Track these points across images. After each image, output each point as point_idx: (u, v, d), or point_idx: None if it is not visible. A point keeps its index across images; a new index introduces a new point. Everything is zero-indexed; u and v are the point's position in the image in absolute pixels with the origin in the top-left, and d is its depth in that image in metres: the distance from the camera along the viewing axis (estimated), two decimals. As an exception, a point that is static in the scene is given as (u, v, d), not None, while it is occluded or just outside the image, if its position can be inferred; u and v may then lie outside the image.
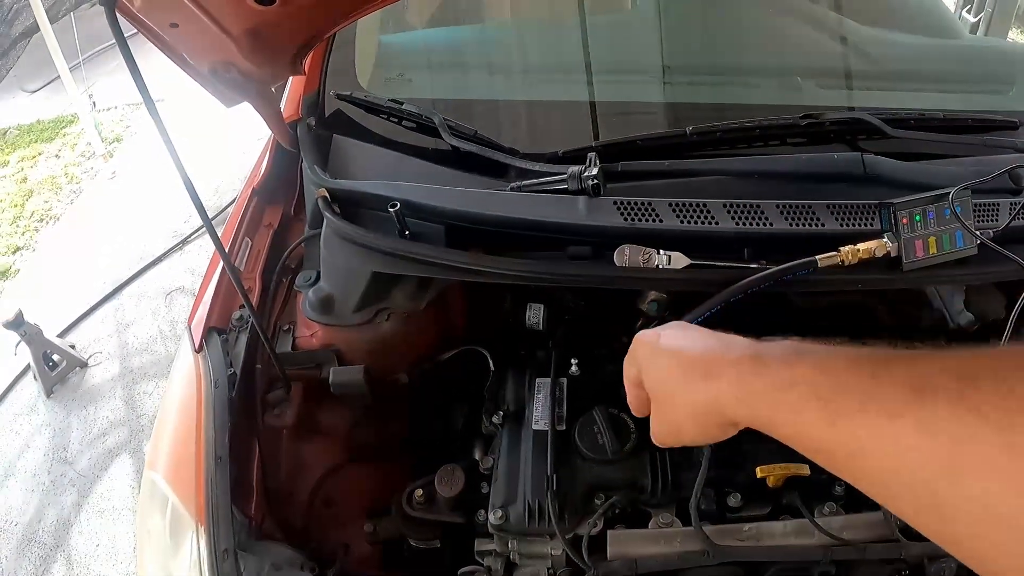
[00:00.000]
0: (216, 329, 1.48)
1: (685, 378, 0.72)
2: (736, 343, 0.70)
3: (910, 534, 1.21)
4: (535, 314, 1.47)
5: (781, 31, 2.02)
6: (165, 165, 4.99)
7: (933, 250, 1.25)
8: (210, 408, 1.33)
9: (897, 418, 0.49)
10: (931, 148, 1.47)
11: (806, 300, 1.56)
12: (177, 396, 1.42)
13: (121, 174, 5.44)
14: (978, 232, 1.25)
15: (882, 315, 1.59)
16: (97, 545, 2.87)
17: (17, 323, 3.34)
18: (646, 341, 0.81)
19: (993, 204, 1.31)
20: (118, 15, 1.09)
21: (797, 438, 0.59)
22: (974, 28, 3.80)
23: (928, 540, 1.26)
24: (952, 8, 3.72)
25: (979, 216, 1.30)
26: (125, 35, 1.46)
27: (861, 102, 1.81)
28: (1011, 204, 1.30)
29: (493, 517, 1.21)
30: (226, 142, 4.92)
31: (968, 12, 3.92)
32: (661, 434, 0.79)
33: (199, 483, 1.26)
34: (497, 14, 2.31)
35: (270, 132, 1.69)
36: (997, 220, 1.30)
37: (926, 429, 0.47)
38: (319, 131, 1.63)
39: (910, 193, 1.25)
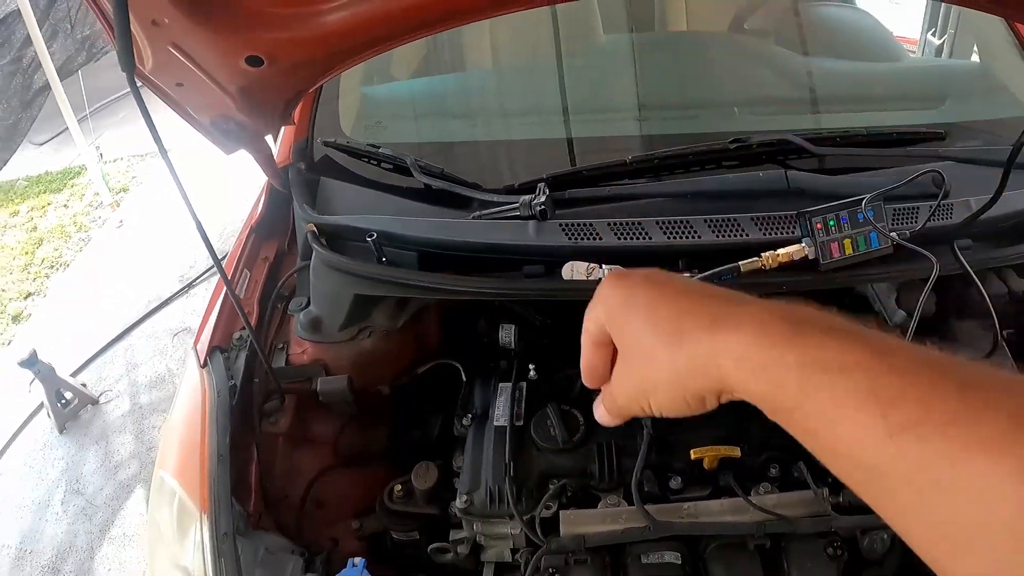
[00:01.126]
0: (219, 348, 1.67)
1: (677, 326, 0.54)
2: (752, 298, 0.54)
3: (841, 510, 1.34)
4: (507, 333, 1.65)
5: (731, 67, 2.22)
6: (171, 214, 5.21)
7: (849, 251, 1.40)
8: (213, 414, 1.51)
9: (997, 457, 0.37)
10: (861, 162, 1.62)
11: None
12: (184, 406, 1.60)
13: (128, 222, 5.68)
14: (891, 233, 1.40)
15: None
16: (108, 570, 3.02)
17: (31, 362, 3.52)
18: (619, 282, 0.60)
19: (913, 208, 1.47)
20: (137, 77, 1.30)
21: (828, 440, 0.46)
22: (939, 51, 3.96)
23: (861, 513, 1.37)
24: (918, 31, 3.86)
25: (899, 219, 1.46)
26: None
27: (808, 125, 1.99)
28: (929, 207, 1.45)
29: (459, 502, 1.38)
30: (226, 191, 5.15)
31: (933, 35, 4.08)
32: (622, 396, 0.61)
33: (203, 478, 1.42)
34: (473, 65, 2.54)
35: (265, 176, 1.89)
36: (916, 222, 1.45)
37: None
38: (308, 174, 1.83)
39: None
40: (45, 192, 6.40)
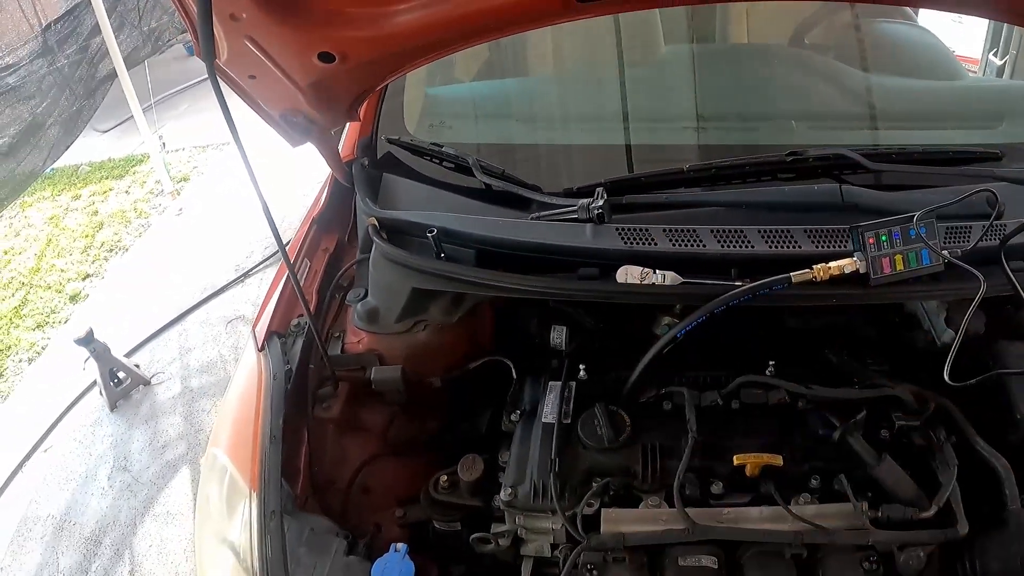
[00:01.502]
0: (276, 333, 1.73)
1: None
2: None
3: (880, 524, 1.35)
4: (558, 335, 1.69)
5: (789, 81, 2.23)
6: (230, 204, 5.32)
7: (900, 267, 1.41)
8: (268, 396, 1.56)
9: None
10: (917, 180, 1.62)
11: (798, 321, 1.73)
12: (240, 387, 1.66)
13: (187, 211, 5.84)
14: (943, 251, 1.39)
15: (870, 335, 1.74)
16: (150, 546, 3.10)
17: (87, 340, 3.63)
18: None
19: (966, 227, 1.47)
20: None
21: None
22: (1000, 70, 3.88)
23: (899, 528, 1.30)
24: (980, 52, 3.80)
25: (952, 238, 1.46)
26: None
27: (863, 140, 1.98)
28: (982, 227, 1.44)
29: (503, 494, 1.42)
30: (290, 184, 5.26)
31: (995, 55, 3.99)
32: None
33: (255, 457, 1.48)
34: (535, 71, 2.58)
35: (329, 170, 1.95)
36: (968, 241, 1.45)
37: None
38: (371, 170, 1.88)
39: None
40: (107, 178, 6.61)
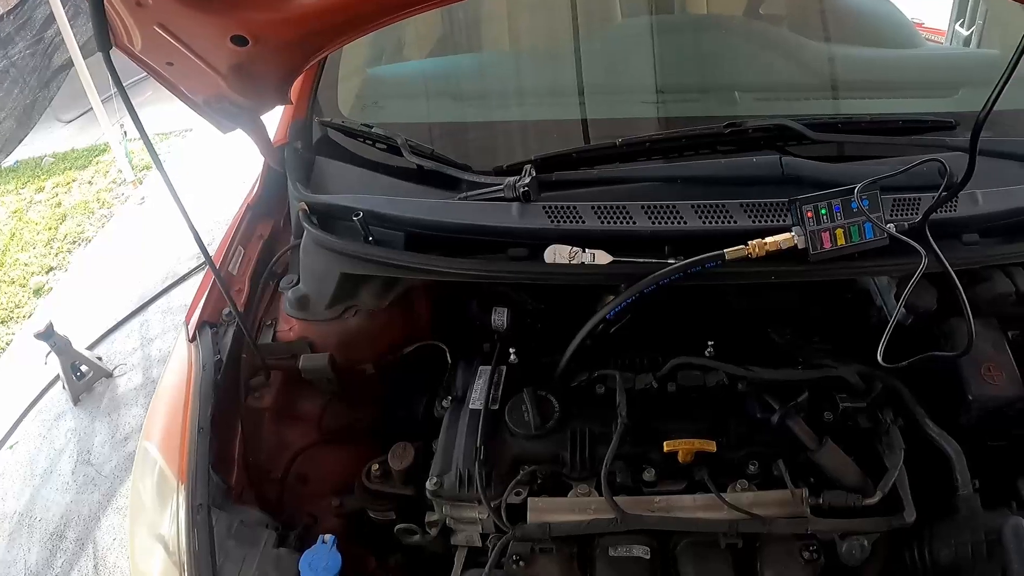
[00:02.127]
0: (208, 323, 1.69)
1: None
2: None
3: (821, 512, 1.31)
4: (500, 316, 1.64)
5: (749, 52, 2.18)
6: (191, 191, 5.21)
7: (841, 241, 1.35)
8: (197, 388, 1.52)
9: None
10: (866, 151, 1.57)
11: (746, 302, 1.67)
12: (171, 379, 1.62)
13: (150, 199, 5.74)
14: (887, 224, 1.33)
15: (818, 313, 1.68)
16: (113, 539, 3.06)
17: (47, 334, 3.57)
18: None
19: (915, 199, 1.41)
20: (123, 54, 1.31)
21: None
22: (967, 41, 3.84)
23: (838, 518, 1.24)
24: (946, 22, 3.76)
25: (899, 210, 1.40)
26: (134, 78, 1.67)
27: (826, 111, 1.92)
28: (931, 199, 1.37)
29: (429, 484, 1.38)
30: (248, 168, 5.19)
31: (961, 26, 3.96)
32: None
33: (183, 449, 1.44)
34: (488, 46, 2.52)
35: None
36: (917, 214, 1.38)
37: None
38: (304, 153, 1.83)
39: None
40: (71, 169, 6.50)
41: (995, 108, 1.88)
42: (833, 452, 1.36)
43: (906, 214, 1.40)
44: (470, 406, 1.48)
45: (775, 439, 1.41)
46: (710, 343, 1.54)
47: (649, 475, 1.38)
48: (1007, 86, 2.01)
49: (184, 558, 1.33)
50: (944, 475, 1.34)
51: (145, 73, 1.43)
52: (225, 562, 1.33)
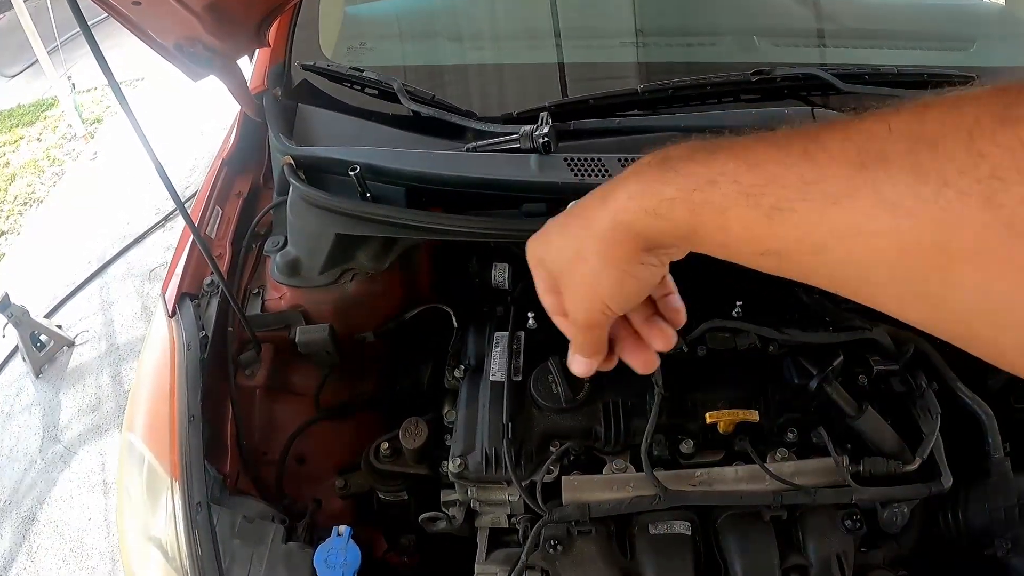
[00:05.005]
0: (188, 295, 1.53)
1: (581, 220, 0.58)
2: (629, 168, 0.56)
3: (862, 480, 1.24)
4: (500, 273, 1.50)
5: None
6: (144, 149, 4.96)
7: None
8: (183, 370, 1.38)
9: (849, 200, 0.41)
10: (884, 103, 1.49)
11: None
12: (152, 361, 1.46)
13: (103, 154, 5.46)
14: None
15: None
16: (89, 519, 2.92)
17: (3, 306, 3.39)
18: (533, 238, 0.65)
19: None
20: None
21: (733, 245, 0.50)
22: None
23: (880, 486, 1.24)
24: None
25: None
26: (96, 18, 1.49)
27: (829, 59, 1.83)
28: None
29: (452, 465, 1.25)
30: (206, 120, 4.93)
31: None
32: (580, 313, 0.62)
33: (173, 441, 1.30)
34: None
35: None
36: None
37: (893, 210, 0.39)
38: (285, 101, 1.66)
39: None
40: (17, 126, 6.17)
41: (1006, 64, 1.83)
42: (873, 418, 1.28)
43: None
44: (490, 378, 1.35)
45: (813, 405, 1.33)
46: (738, 303, 1.44)
47: (687, 447, 1.28)
48: (1015, 42, 1.96)
49: (186, 563, 1.21)
50: (975, 439, 1.29)
51: (102, 16, 1.27)
52: (231, 564, 1.21)
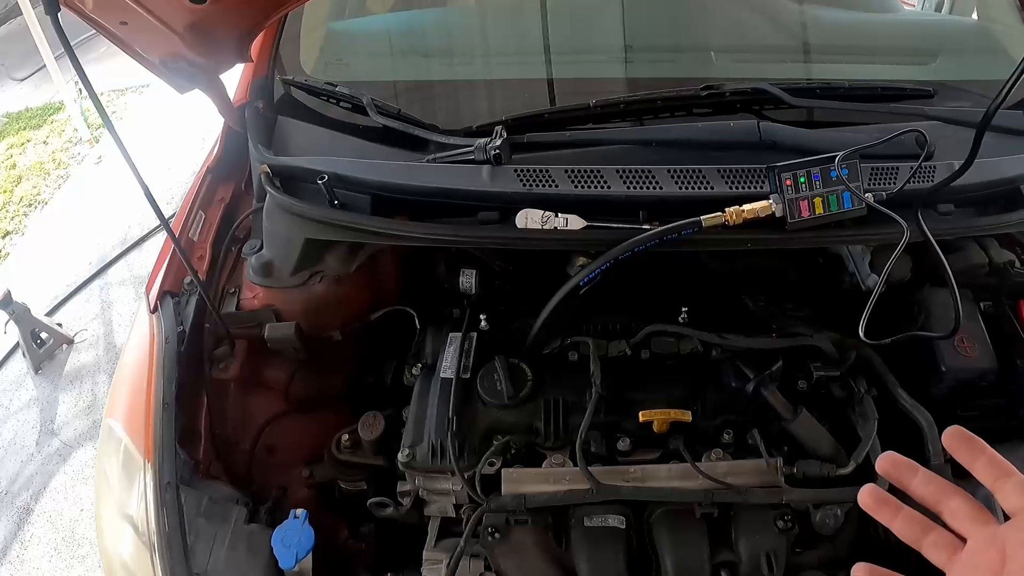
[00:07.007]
0: (169, 293, 1.63)
1: None
2: None
3: (795, 481, 1.31)
4: (467, 278, 1.60)
5: (722, 11, 2.12)
6: (149, 148, 5.08)
7: (819, 210, 1.32)
8: (160, 361, 1.47)
9: None
10: (844, 117, 1.55)
11: (721, 265, 1.65)
12: (133, 352, 1.56)
13: (107, 158, 5.56)
14: (866, 194, 1.31)
15: (792, 278, 1.67)
16: (81, 510, 3.02)
17: (5, 303, 3.48)
18: None
19: (893, 168, 1.38)
20: (74, 14, 1.24)
21: None
22: (939, 6, 3.82)
23: (812, 488, 1.25)
24: None
25: (877, 180, 1.37)
26: (88, 33, 1.59)
27: (815, 75, 1.89)
28: (910, 168, 1.36)
29: (401, 455, 1.35)
30: (208, 126, 5.03)
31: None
32: None
33: (148, 426, 1.40)
34: (453, 1, 2.45)
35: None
36: (895, 184, 1.37)
37: None
38: (266, 113, 1.76)
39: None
40: (25, 129, 6.27)
41: (970, 78, 1.89)
42: (807, 422, 1.36)
43: (884, 183, 1.38)
44: (441, 375, 1.45)
45: (750, 408, 1.41)
46: (684, 309, 1.52)
47: (624, 445, 1.37)
48: (981, 56, 2.02)
49: (154, 538, 1.30)
50: (916, 445, 1.34)
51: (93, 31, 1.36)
52: (196, 541, 1.30)
